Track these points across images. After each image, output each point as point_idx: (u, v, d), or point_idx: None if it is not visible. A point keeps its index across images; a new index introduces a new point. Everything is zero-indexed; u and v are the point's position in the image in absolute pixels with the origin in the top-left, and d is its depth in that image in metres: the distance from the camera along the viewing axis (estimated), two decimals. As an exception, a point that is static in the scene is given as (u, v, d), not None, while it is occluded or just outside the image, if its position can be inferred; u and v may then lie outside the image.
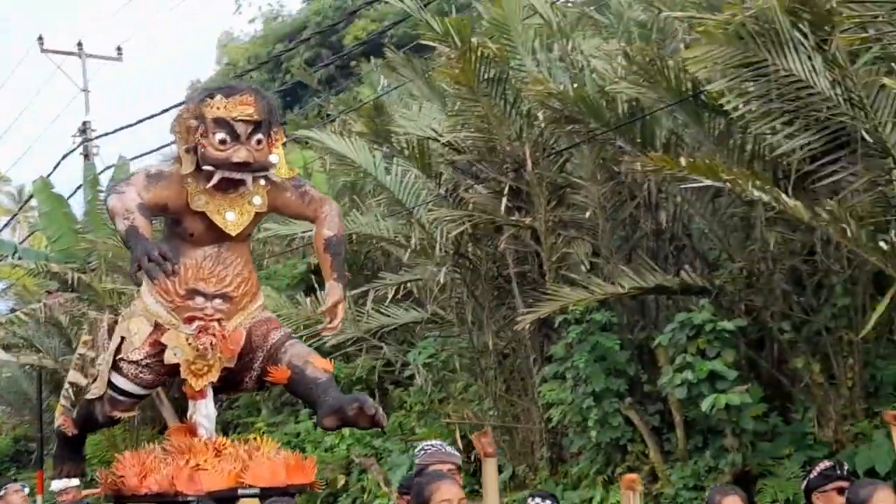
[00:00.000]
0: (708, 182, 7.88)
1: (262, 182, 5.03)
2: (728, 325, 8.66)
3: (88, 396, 5.24)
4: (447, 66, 10.29)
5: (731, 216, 9.49)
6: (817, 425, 8.83)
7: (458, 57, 9.83)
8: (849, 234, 7.26)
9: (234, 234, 4.97)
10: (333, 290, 5.15)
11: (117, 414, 5.20)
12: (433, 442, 5.56)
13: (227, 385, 5.22)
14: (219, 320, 4.95)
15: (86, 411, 5.36)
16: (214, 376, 4.97)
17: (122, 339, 5.07)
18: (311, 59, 27.97)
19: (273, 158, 5.00)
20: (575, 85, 9.60)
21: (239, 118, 4.84)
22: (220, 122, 4.83)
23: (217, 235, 4.96)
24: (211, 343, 4.89)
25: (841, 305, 8.70)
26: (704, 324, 8.61)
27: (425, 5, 10.65)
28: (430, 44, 10.42)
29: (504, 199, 10.25)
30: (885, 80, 6.76)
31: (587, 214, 10.13)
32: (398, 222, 12.17)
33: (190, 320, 4.92)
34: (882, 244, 7.28)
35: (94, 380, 5.24)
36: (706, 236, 9.98)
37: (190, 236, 4.97)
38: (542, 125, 10.15)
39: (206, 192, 4.93)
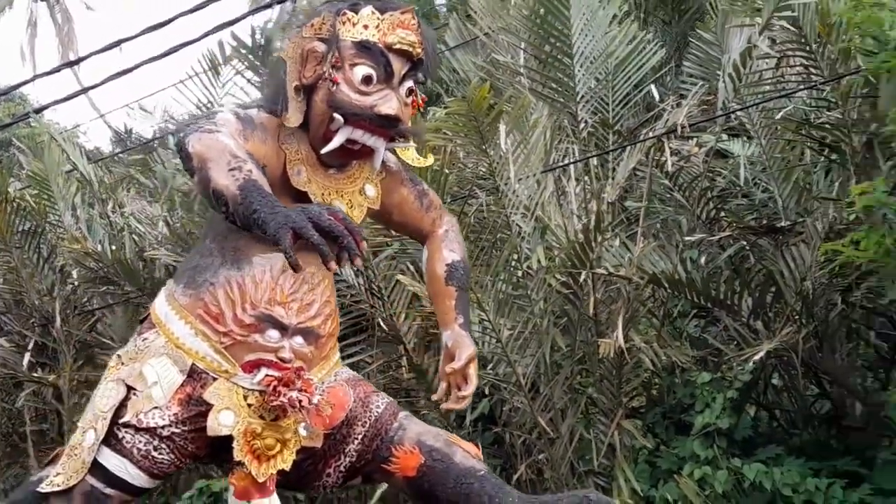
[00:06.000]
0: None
1: (377, 165, 3.29)
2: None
3: (44, 488, 3.03)
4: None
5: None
6: None
7: (-7, 206, 9.51)
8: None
9: None
10: (463, 342, 3.35)
11: None
12: None
13: (300, 477, 3.21)
14: (299, 371, 3.05)
15: None
16: (288, 461, 3.08)
17: (130, 390, 3.07)
18: None
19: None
20: (113, 247, 9.59)
21: (397, 46, 3.13)
22: (369, 51, 3.10)
23: None
24: (301, 403, 2.96)
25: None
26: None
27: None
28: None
29: (28, 355, 9.89)
30: (399, 277, 7.49)
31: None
32: None
33: (253, 367, 3.05)
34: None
35: (52, 459, 3.23)
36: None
37: None
38: (77, 283, 9.99)
39: (308, 162, 3.18)
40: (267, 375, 3.02)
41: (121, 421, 3.03)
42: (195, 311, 3.09)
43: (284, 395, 2.95)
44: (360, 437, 3.20)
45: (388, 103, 3.08)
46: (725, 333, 7.15)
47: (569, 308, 6.99)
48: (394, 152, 3.40)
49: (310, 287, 3.14)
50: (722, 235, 7.17)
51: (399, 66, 3.13)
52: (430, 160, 3.52)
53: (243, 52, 8.64)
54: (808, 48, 6.88)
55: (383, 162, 3.32)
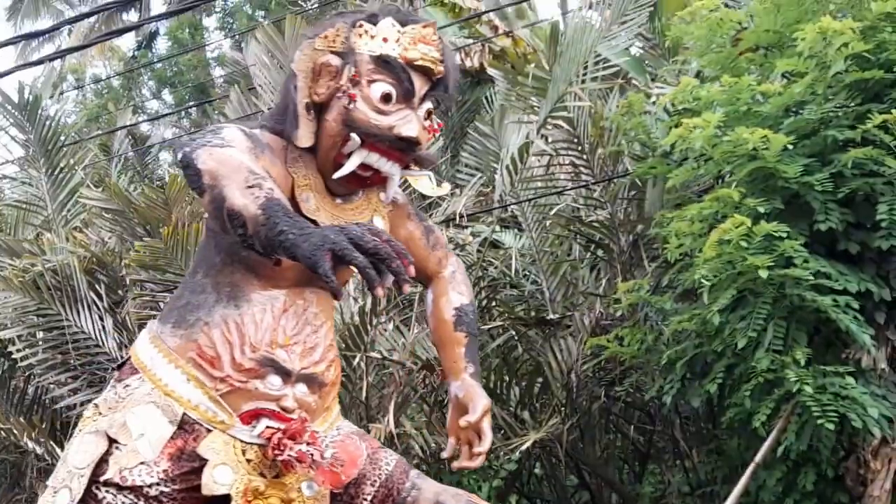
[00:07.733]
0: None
1: (382, 196, 2.92)
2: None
3: None
4: None
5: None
6: None
7: None
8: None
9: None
10: (476, 393, 3.00)
11: None
12: None
13: None
14: (304, 422, 2.67)
15: None
16: None
17: (111, 443, 2.62)
18: None
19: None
20: None
21: (419, 63, 2.77)
22: (390, 66, 2.74)
23: (309, 274, 2.42)
24: (313, 458, 2.61)
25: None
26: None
27: None
28: None
29: None
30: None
31: None
32: None
33: (252, 417, 2.66)
34: None
35: None
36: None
37: (276, 264, 2.64)
38: None
39: (316, 189, 2.80)
40: (268, 427, 2.65)
41: (101, 479, 2.59)
42: (187, 355, 2.69)
43: (291, 448, 2.60)
44: (369, 497, 2.86)
45: (408, 125, 2.74)
46: (493, 422, 7.21)
47: (340, 392, 6.91)
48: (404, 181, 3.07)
49: (313, 329, 2.81)
50: (493, 325, 7.31)
51: (420, 85, 2.79)
52: (447, 188, 3.21)
53: (9, 107, 8.27)
54: (580, 149, 7.19)
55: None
